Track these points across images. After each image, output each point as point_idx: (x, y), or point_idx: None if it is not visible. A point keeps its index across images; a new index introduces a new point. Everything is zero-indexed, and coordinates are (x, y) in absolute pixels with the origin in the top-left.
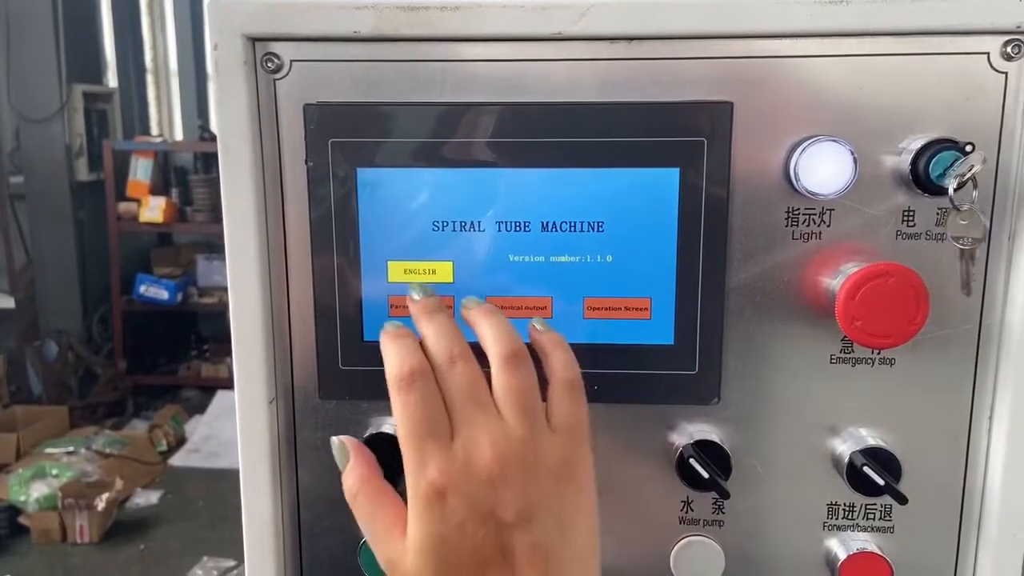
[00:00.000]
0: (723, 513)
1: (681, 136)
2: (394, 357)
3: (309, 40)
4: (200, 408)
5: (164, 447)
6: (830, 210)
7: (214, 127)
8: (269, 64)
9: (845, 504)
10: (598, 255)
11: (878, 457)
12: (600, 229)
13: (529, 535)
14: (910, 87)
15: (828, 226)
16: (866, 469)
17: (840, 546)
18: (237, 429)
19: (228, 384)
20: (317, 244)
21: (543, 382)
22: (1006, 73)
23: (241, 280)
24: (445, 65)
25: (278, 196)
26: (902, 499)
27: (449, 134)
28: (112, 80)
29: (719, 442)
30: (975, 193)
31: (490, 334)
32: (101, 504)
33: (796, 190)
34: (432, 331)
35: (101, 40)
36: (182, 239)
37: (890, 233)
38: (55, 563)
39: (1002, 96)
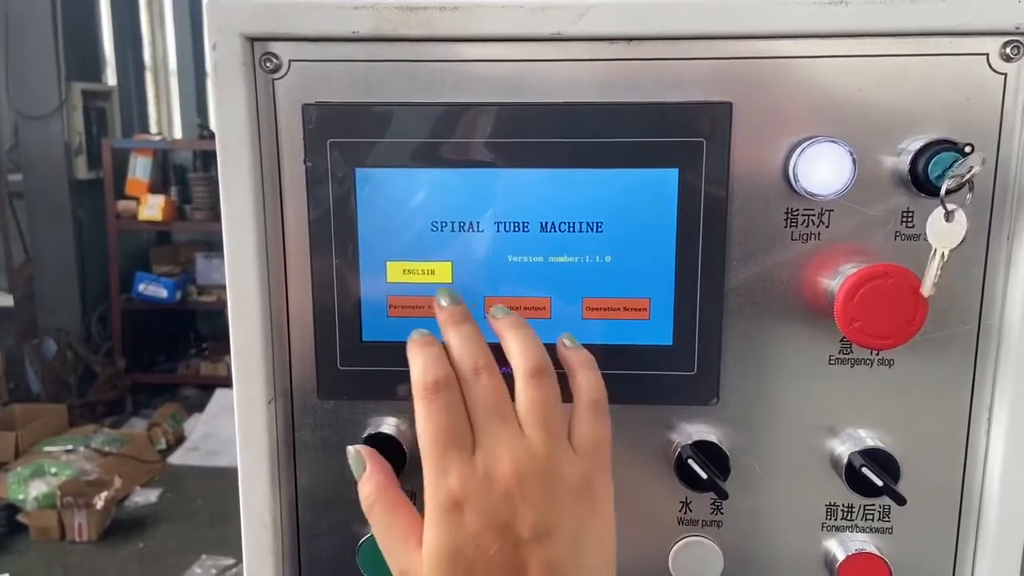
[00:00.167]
0: (722, 514)
1: (680, 136)
2: (420, 365)
3: (308, 40)
4: (199, 406)
5: (163, 445)
6: (829, 211)
7: (213, 126)
8: (268, 64)
9: (844, 505)
10: (597, 255)
11: (877, 458)
12: (599, 229)
13: (544, 551)
14: (910, 88)
15: (827, 227)
16: (865, 470)
17: (839, 547)
18: (236, 429)
19: (227, 382)
20: (316, 244)
21: (566, 397)
22: (1005, 74)
23: (240, 280)
24: (444, 65)
25: (277, 196)
26: (901, 500)
27: (448, 134)
28: (111, 78)
29: (718, 443)
30: (969, 196)
31: (517, 347)
32: (100, 502)
33: (795, 191)
34: (458, 340)
35: (100, 38)
36: (181, 237)
37: (889, 234)
38: (54, 561)
39: (1001, 97)
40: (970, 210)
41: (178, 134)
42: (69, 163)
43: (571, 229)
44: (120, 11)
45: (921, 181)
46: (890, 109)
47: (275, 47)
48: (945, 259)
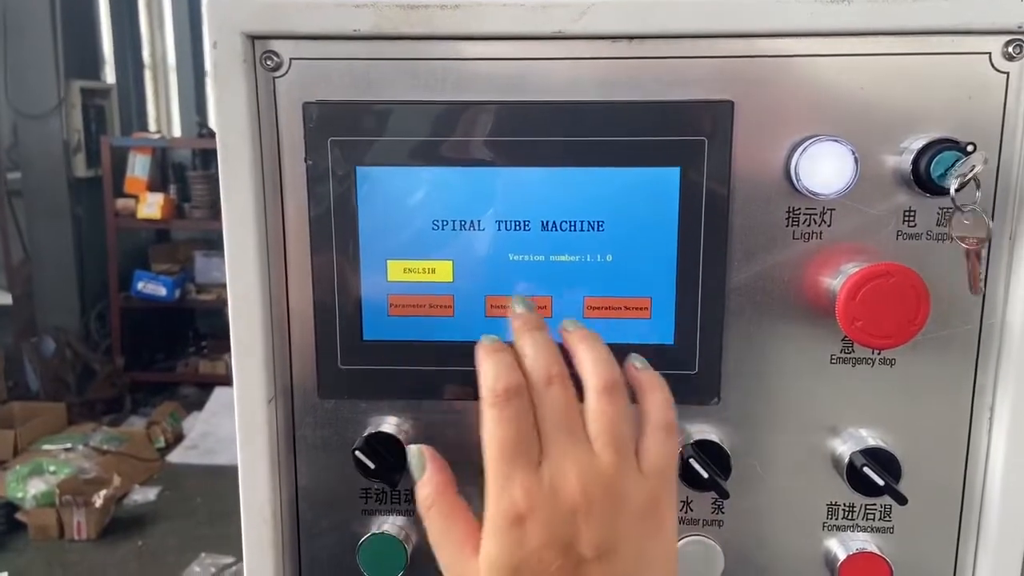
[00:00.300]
0: (723, 513)
1: (682, 135)
2: (491, 371)
3: (308, 38)
4: (198, 405)
5: (162, 444)
6: (831, 210)
7: (212, 124)
8: (268, 62)
9: (845, 504)
10: (598, 254)
11: (878, 457)
12: (600, 228)
13: (604, 572)
14: (912, 87)
15: (829, 226)
16: (866, 469)
17: (840, 546)
18: (236, 427)
19: (226, 381)
20: (316, 243)
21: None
22: (1007, 73)
23: (240, 278)
24: (445, 63)
25: (277, 194)
26: (902, 499)
27: (449, 133)
28: (110, 76)
29: (719, 442)
30: (978, 193)
31: (589, 361)
32: (99, 501)
33: (797, 190)
34: (532, 348)
35: (99, 36)
36: (180, 235)
37: (891, 233)
38: (52, 560)
39: (1003, 96)
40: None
41: (177, 132)
42: (68, 161)
43: (572, 228)
44: (119, 9)
45: (923, 180)
46: (892, 108)
47: (276, 45)
48: (980, 256)
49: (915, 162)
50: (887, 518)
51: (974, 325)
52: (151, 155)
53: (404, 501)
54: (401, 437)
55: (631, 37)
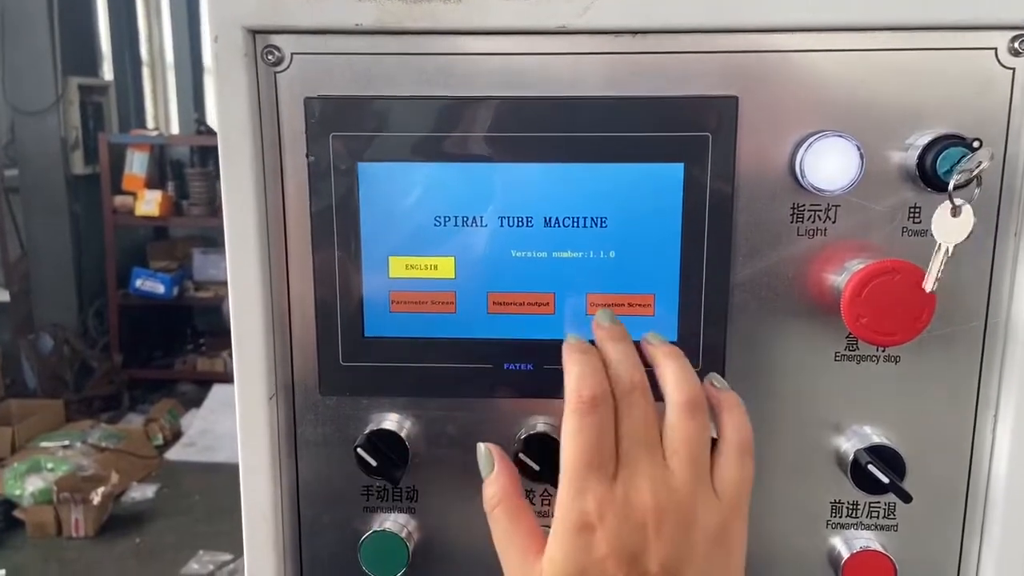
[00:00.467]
0: None
1: (686, 131)
2: (577, 375)
3: (310, 32)
4: (196, 402)
5: (160, 441)
6: (836, 206)
7: (211, 121)
8: (270, 57)
9: (849, 502)
10: (601, 251)
11: (883, 455)
12: (603, 225)
13: None
14: (917, 83)
15: (834, 222)
16: (871, 467)
17: (843, 544)
18: (237, 425)
19: (224, 378)
20: (318, 239)
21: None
22: (1014, 69)
23: (241, 275)
24: (448, 58)
25: (278, 190)
26: (907, 497)
27: (451, 128)
28: (108, 73)
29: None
30: (977, 191)
31: (672, 376)
32: (96, 498)
33: (802, 186)
34: (616, 356)
35: (97, 32)
36: (178, 233)
37: (896, 230)
38: (50, 557)
39: (1009, 92)
40: (977, 206)
41: (175, 129)
42: (65, 158)
43: (575, 224)
44: (117, 6)
45: (929, 176)
46: (897, 104)
47: (277, 40)
48: (949, 255)
49: (921, 158)
50: (891, 516)
51: (979, 322)
52: (149, 152)
53: (406, 498)
54: (402, 434)
55: (635, 32)
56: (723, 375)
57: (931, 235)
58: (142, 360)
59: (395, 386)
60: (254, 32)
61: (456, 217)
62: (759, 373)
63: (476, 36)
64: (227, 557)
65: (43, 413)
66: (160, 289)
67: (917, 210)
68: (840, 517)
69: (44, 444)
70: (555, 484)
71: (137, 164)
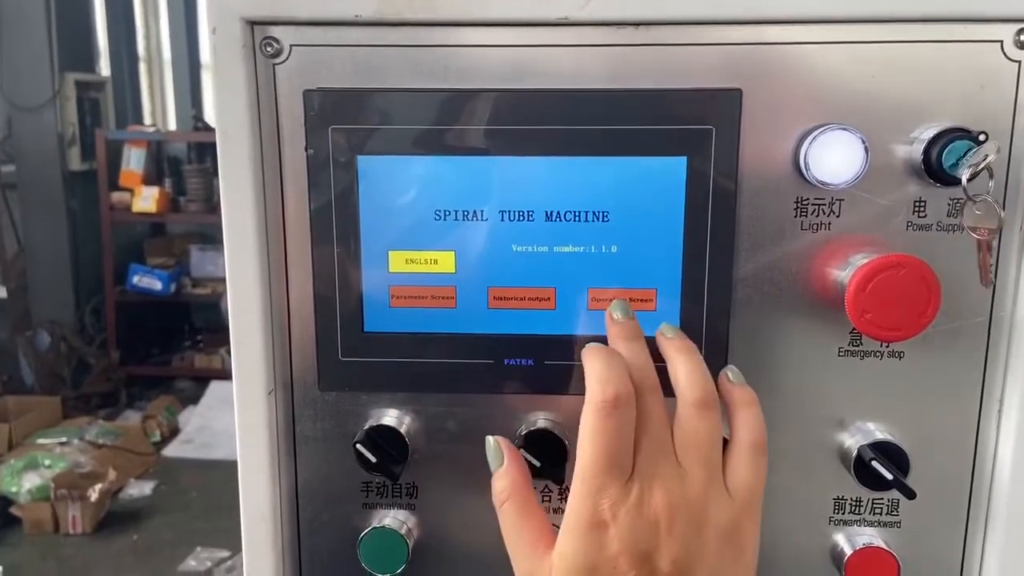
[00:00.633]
0: None
1: (689, 124)
2: (599, 374)
3: (309, 24)
4: (194, 399)
5: (157, 438)
6: (840, 200)
7: (208, 117)
8: (268, 48)
9: (852, 498)
10: (603, 245)
11: (886, 451)
12: (605, 219)
13: None
14: (922, 75)
15: (838, 216)
16: (874, 463)
17: (846, 541)
18: (235, 421)
19: (222, 375)
20: (317, 233)
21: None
22: (1019, 61)
23: (240, 269)
24: (448, 50)
25: (277, 184)
26: (911, 493)
27: (452, 121)
28: (105, 69)
29: (725, 435)
30: (991, 183)
31: (684, 373)
32: (94, 495)
33: (806, 180)
34: (629, 356)
35: (94, 28)
36: (175, 229)
37: (901, 224)
38: (47, 554)
39: (1015, 85)
40: (993, 197)
41: (172, 125)
42: (62, 154)
43: (577, 218)
44: (114, 1)
45: (935, 170)
46: (902, 97)
47: (276, 31)
48: (992, 248)
49: (926, 151)
50: (894, 512)
51: (984, 318)
52: (146, 148)
53: (405, 495)
54: (402, 430)
55: (637, 24)
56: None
57: (937, 229)
58: (140, 357)
59: (395, 381)
60: (252, 23)
61: (456, 211)
62: (762, 369)
63: (477, 28)
64: (225, 554)
65: (40, 410)
66: (157, 286)
67: (922, 204)
68: (843, 514)
69: (41, 441)
70: (555, 480)
71: (134, 160)
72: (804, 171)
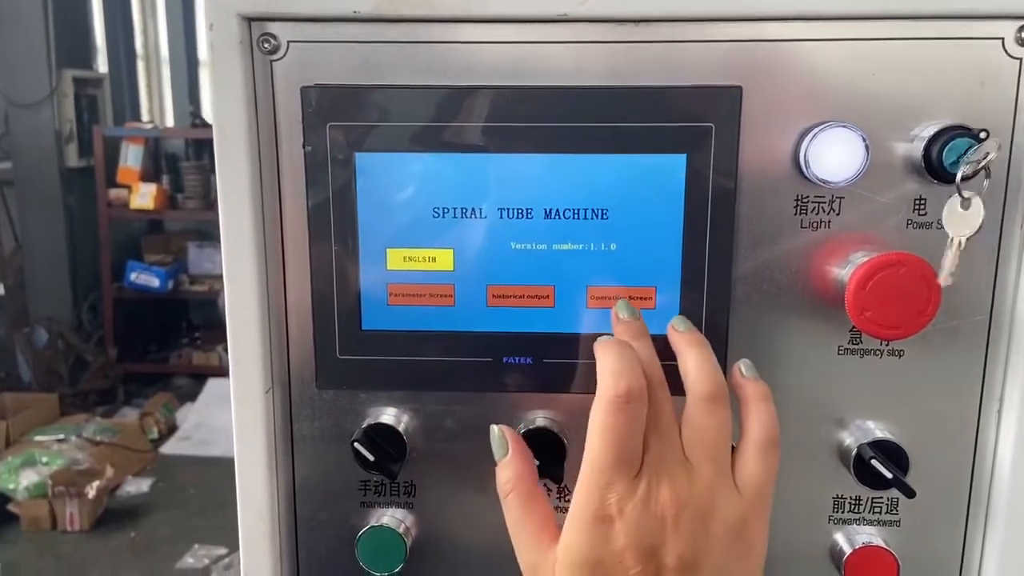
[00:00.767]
0: None
1: (688, 122)
2: (612, 367)
3: (307, 20)
4: (191, 396)
5: (155, 435)
6: (840, 198)
7: (206, 113)
8: (266, 45)
9: (851, 497)
10: (602, 243)
11: (886, 449)
12: (604, 216)
13: None
14: (923, 73)
15: (838, 214)
16: (874, 462)
17: (846, 540)
18: (232, 419)
19: (220, 372)
20: (315, 230)
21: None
22: (1020, 59)
23: (237, 267)
24: (447, 47)
25: (275, 181)
26: (910, 492)
27: (450, 118)
28: (102, 65)
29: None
30: (986, 182)
31: (695, 366)
32: (91, 492)
33: (806, 177)
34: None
35: (91, 25)
36: (173, 226)
37: (901, 222)
38: (45, 551)
39: (1016, 82)
40: (984, 198)
41: (170, 122)
42: (60, 151)
43: (576, 216)
44: None
45: (935, 168)
46: (902, 94)
47: (273, 27)
48: (962, 248)
49: (927, 149)
50: (894, 511)
51: (984, 316)
52: (144, 145)
53: (403, 493)
54: (400, 429)
55: (637, 20)
56: (725, 369)
57: (937, 228)
58: (137, 354)
59: (393, 380)
60: (250, 19)
61: (455, 208)
62: (761, 367)
63: (475, 24)
64: (222, 551)
65: (38, 407)
66: (155, 283)
67: (923, 202)
68: (842, 512)
69: (39, 438)
70: (554, 479)
71: (132, 157)
72: (804, 169)
